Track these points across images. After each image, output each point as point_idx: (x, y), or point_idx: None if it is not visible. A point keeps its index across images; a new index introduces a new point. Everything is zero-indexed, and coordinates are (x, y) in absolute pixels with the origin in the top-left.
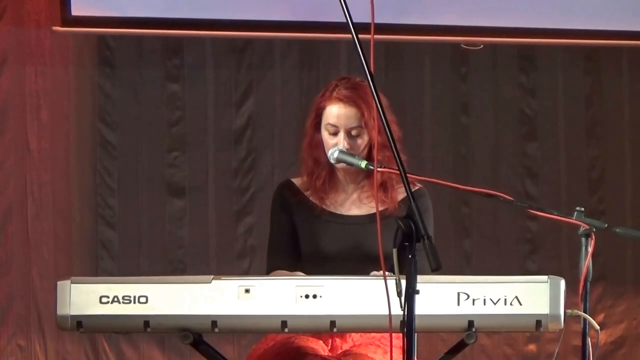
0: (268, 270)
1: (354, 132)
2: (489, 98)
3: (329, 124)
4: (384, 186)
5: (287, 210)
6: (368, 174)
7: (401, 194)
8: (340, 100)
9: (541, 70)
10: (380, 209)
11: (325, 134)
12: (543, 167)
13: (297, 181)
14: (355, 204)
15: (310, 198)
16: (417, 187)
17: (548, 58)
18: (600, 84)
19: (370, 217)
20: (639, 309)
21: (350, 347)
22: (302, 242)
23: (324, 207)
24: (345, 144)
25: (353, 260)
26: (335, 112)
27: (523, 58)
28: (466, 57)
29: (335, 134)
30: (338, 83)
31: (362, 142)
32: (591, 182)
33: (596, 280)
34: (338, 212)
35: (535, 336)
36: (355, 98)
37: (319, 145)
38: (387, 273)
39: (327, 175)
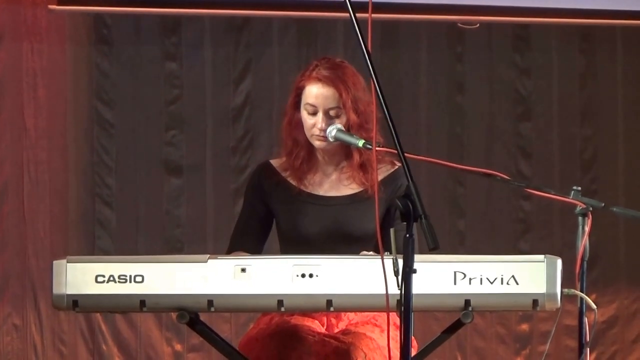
0: (228, 250)
1: (332, 113)
2: (484, 78)
3: (307, 103)
4: (364, 167)
5: (260, 193)
6: (347, 154)
7: (381, 174)
8: (319, 80)
9: (536, 50)
10: (360, 189)
11: (304, 114)
12: (536, 146)
13: (275, 162)
14: (334, 186)
15: (289, 179)
16: (397, 167)
17: (543, 38)
18: (594, 64)
19: (350, 198)
20: (631, 289)
21: (347, 325)
22: (281, 223)
23: (302, 187)
24: (324, 124)
25: (333, 242)
26: (314, 92)
27: (518, 38)
28: (462, 37)
29: (314, 113)
30: (318, 63)
31: (340, 122)
32: (584, 161)
33: (588, 260)
34: (316, 193)
35: (527, 315)
36: (334, 79)
37: (299, 125)
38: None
39: (305, 155)
